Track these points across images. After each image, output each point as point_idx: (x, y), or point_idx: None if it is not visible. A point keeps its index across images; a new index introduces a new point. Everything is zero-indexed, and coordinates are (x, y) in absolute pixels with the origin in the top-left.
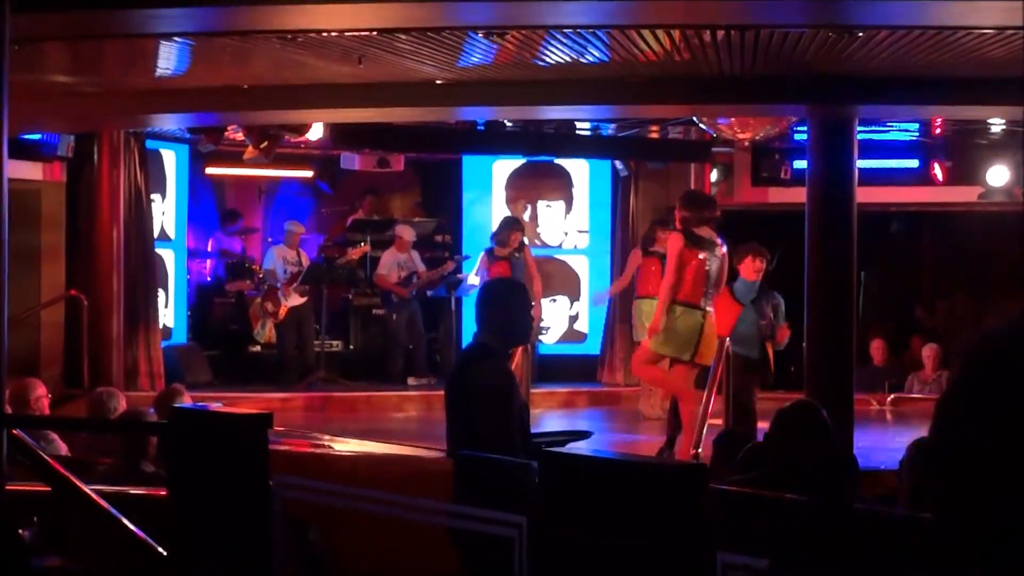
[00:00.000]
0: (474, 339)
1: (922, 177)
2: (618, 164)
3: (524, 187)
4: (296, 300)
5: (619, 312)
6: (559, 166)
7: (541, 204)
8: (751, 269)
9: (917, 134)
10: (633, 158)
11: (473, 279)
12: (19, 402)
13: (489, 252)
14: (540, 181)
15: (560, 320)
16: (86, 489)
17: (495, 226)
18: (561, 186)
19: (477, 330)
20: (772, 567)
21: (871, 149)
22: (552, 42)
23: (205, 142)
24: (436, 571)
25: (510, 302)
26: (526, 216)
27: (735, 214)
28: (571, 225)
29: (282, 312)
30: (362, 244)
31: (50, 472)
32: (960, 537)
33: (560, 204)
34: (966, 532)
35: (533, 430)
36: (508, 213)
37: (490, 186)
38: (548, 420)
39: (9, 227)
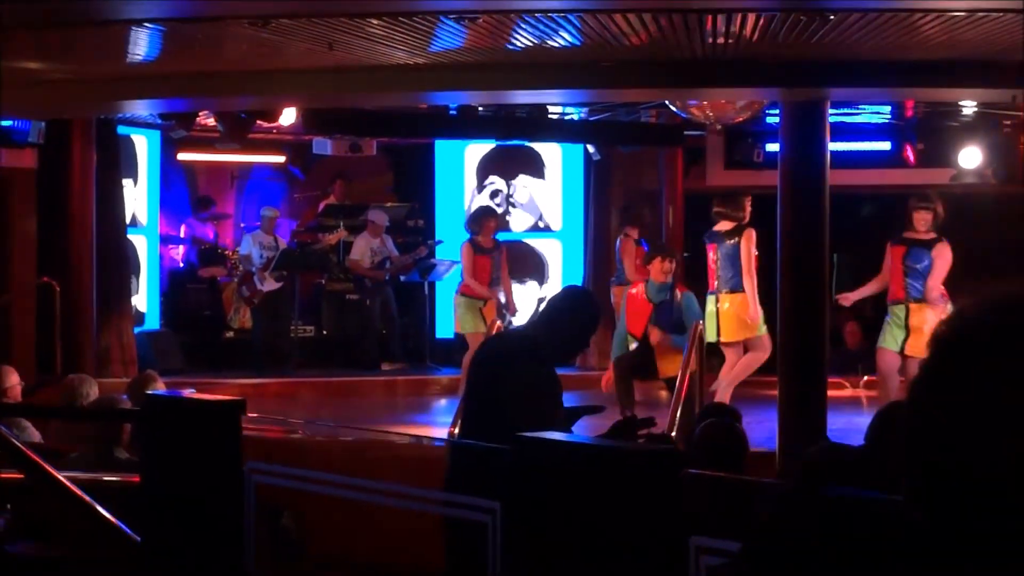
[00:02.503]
0: (525, 333)
1: (894, 159)
2: (590, 148)
3: (496, 171)
4: (272, 285)
5: None
6: (531, 150)
7: (518, 183)
8: (659, 271)
9: (889, 117)
10: (605, 142)
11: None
12: None
13: (473, 244)
14: (512, 165)
15: (529, 304)
16: (59, 476)
17: (469, 210)
18: (533, 170)
19: (537, 326)
20: (744, 550)
21: (843, 132)
22: (523, 26)
23: (176, 128)
24: (411, 555)
25: (583, 316)
26: (499, 200)
27: (708, 198)
28: (544, 206)
29: (258, 298)
30: (339, 230)
31: (23, 459)
32: (932, 520)
33: (536, 182)
34: (937, 515)
35: None
36: (479, 197)
37: (463, 171)
38: None
39: None
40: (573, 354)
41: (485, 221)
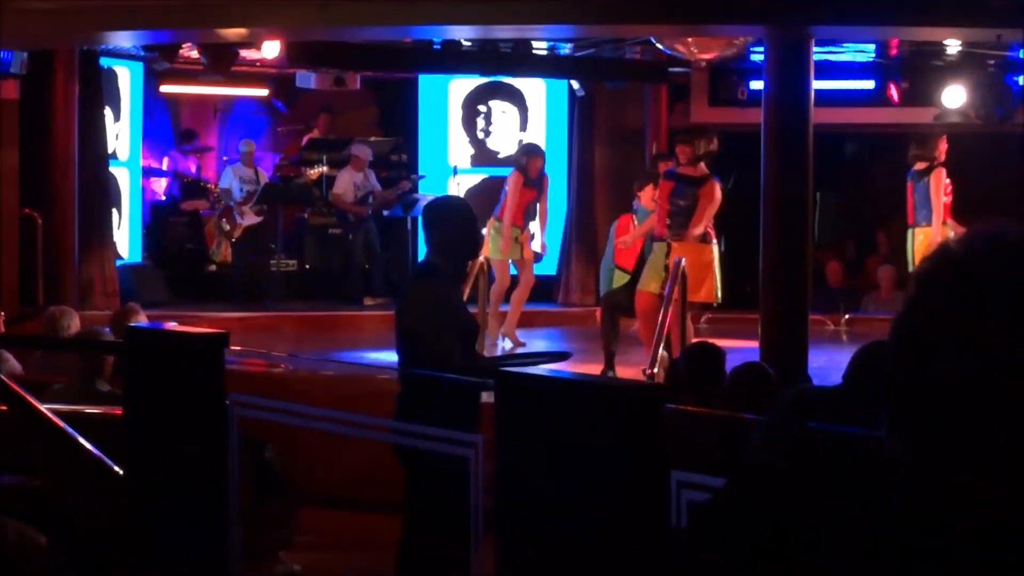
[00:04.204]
0: (423, 259)
1: (878, 98)
2: (575, 84)
3: (481, 104)
4: (252, 219)
5: (576, 233)
6: (512, 86)
7: (496, 109)
8: (650, 198)
9: (873, 55)
10: (589, 78)
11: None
12: None
13: (523, 173)
14: (495, 99)
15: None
16: (42, 408)
17: (452, 143)
18: (515, 105)
19: (429, 251)
20: (727, 485)
21: (827, 70)
22: None
23: (160, 60)
24: (392, 487)
25: (453, 219)
26: (479, 130)
27: (692, 134)
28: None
29: (237, 231)
30: (320, 166)
31: (4, 391)
32: (915, 457)
33: (515, 112)
34: (920, 452)
35: (501, 351)
36: (462, 130)
37: (447, 105)
38: (506, 340)
39: None
40: (470, 255)
41: (532, 159)
